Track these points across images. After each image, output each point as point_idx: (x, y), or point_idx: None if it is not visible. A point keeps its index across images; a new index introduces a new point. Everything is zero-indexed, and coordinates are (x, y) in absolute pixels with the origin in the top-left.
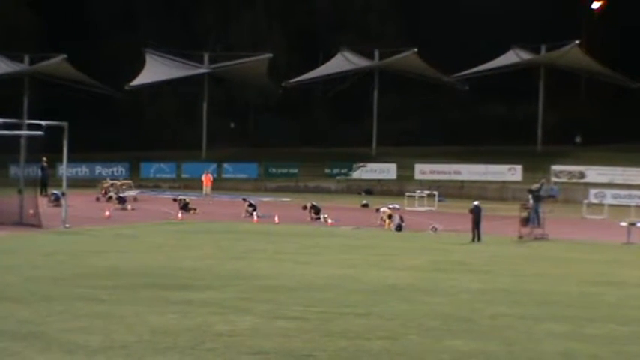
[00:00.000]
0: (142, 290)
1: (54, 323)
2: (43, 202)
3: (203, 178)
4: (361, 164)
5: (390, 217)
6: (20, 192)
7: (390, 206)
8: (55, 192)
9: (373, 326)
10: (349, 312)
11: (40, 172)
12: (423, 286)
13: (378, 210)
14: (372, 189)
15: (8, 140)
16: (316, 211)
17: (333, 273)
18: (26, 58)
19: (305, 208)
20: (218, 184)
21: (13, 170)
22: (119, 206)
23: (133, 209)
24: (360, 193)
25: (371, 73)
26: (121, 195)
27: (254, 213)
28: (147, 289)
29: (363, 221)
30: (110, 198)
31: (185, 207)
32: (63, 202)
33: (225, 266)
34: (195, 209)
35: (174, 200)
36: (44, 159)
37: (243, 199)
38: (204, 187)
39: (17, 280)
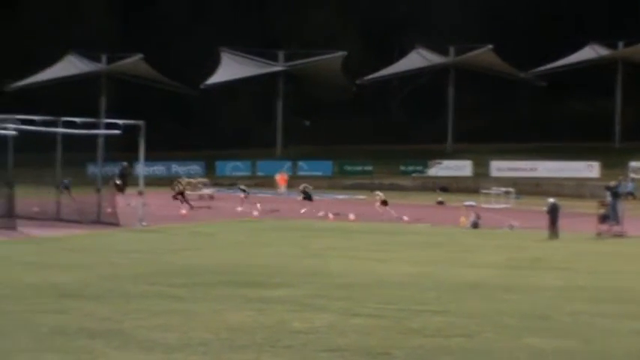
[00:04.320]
0: (218, 288)
1: (132, 321)
2: (122, 201)
3: (277, 177)
4: (436, 161)
5: (384, 202)
6: (98, 190)
7: (466, 203)
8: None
9: (450, 324)
10: (426, 309)
11: (119, 173)
12: (500, 283)
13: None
14: (447, 186)
15: (86, 139)
16: (385, 202)
17: (409, 270)
18: (103, 58)
19: (381, 203)
20: (293, 182)
21: (91, 169)
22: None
23: (209, 207)
24: (435, 190)
25: (446, 69)
26: (199, 192)
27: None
28: (223, 287)
29: (440, 218)
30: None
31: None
32: (140, 200)
33: (301, 264)
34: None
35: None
36: (125, 163)
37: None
38: (279, 186)
39: (95, 278)
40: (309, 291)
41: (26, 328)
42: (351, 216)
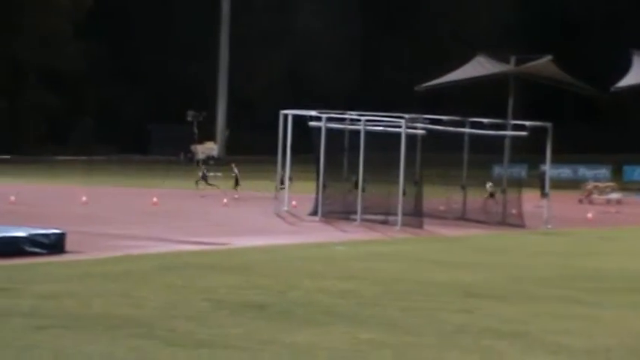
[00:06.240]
0: (625, 294)
1: (537, 324)
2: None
3: None
4: None
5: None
6: (504, 192)
7: None
8: None
9: None
10: None
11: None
12: None
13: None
14: None
15: (493, 140)
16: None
17: None
18: (512, 59)
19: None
20: None
21: (497, 170)
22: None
23: (617, 212)
24: None
25: None
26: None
27: None
28: (630, 293)
29: None
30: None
31: None
32: (546, 202)
33: None
34: None
35: None
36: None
37: None
38: None
39: (501, 279)
40: None
41: (432, 325)
42: None
